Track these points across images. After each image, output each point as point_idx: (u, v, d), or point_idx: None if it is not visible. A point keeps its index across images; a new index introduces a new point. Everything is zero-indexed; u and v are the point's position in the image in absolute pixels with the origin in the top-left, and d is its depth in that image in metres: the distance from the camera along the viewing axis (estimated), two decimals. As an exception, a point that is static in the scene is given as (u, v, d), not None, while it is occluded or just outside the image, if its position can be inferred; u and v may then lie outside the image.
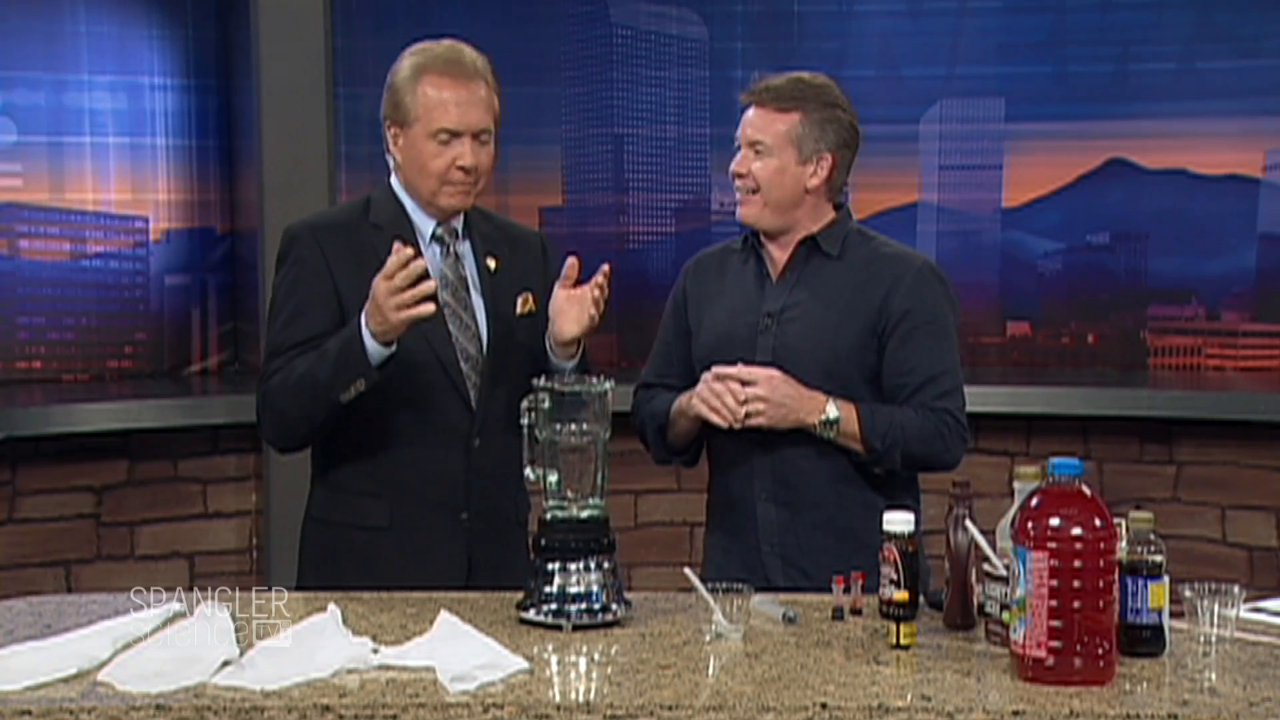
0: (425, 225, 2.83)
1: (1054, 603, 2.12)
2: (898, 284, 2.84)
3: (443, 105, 2.74)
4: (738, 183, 2.87)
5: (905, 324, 2.83)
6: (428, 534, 2.79)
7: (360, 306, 2.73)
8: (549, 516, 2.49)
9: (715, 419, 2.76)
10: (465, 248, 2.87)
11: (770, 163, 2.83)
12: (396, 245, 2.62)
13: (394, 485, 2.79)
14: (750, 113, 2.86)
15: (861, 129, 2.91)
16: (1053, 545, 2.12)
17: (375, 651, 2.22)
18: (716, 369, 2.78)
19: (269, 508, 4.75)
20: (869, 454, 2.79)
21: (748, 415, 2.74)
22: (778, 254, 2.92)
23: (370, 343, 2.65)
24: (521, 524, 2.93)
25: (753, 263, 2.94)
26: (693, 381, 2.89)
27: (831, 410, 2.77)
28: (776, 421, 2.76)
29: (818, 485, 2.84)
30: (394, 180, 2.86)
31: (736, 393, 2.74)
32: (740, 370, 2.76)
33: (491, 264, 2.86)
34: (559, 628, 2.40)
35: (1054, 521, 2.13)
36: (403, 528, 2.79)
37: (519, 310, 2.87)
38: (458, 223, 2.86)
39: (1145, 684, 2.15)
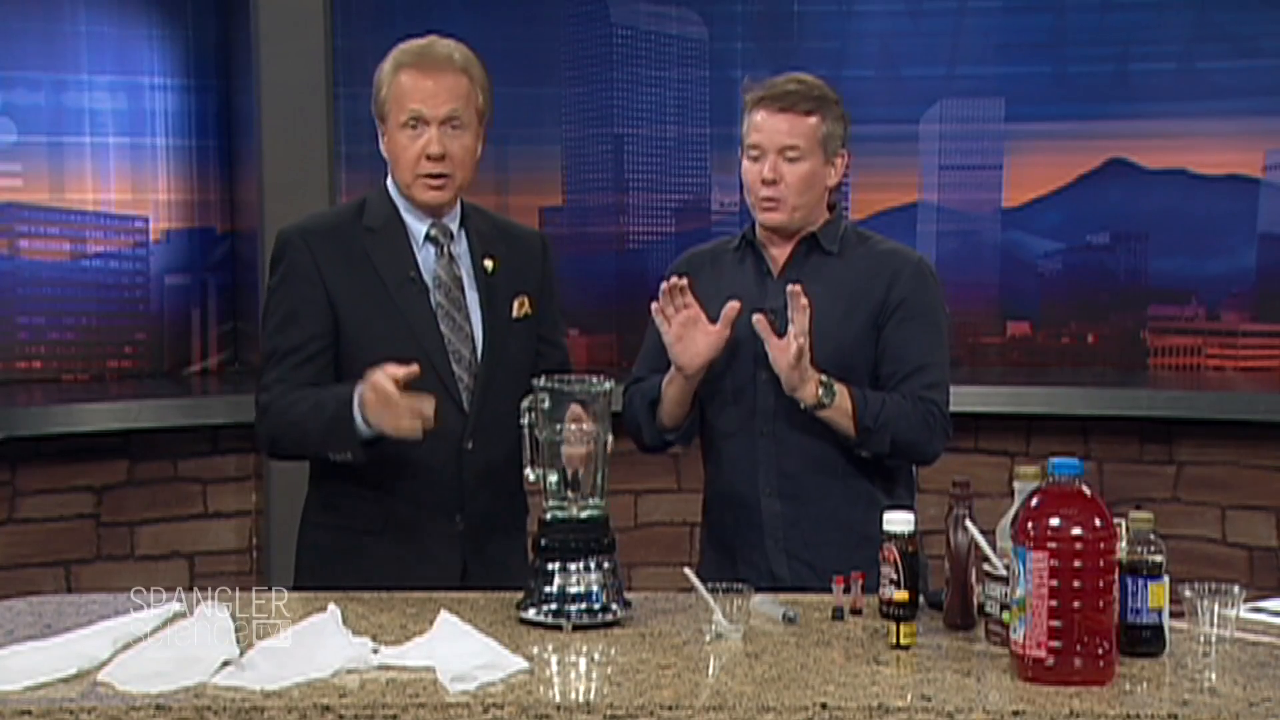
0: (418, 226, 2.83)
1: (1054, 603, 2.12)
2: (897, 276, 2.88)
3: (410, 92, 2.77)
4: (767, 190, 2.85)
5: (900, 313, 2.86)
6: (421, 538, 2.79)
7: (352, 308, 2.76)
8: (549, 516, 2.49)
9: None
10: (462, 248, 2.86)
11: (803, 167, 2.84)
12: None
13: (387, 489, 2.78)
14: (775, 118, 2.84)
15: (849, 116, 2.94)
16: (1053, 545, 2.12)
17: (375, 651, 2.22)
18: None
19: (269, 508, 4.76)
20: (859, 433, 2.79)
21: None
22: (777, 252, 2.93)
23: (360, 424, 2.64)
24: (519, 527, 2.92)
25: (750, 261, 2.95)
26: None
27: (829, 381, 2.76)
28: (787, 366, 2.71)
29: (822, 479, 2.86)
30: (389, 181, 2.86)
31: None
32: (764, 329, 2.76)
33: (489, 265, 2.86)
34: (559, 628, 2.40)
35: (1054, 521, 2.13)
36: (396, 531, 2.78)
37: (515, 313, 2.87)
38: (453, 223, 2.85)
39: (1145, 684, 2.15)
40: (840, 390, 2.78)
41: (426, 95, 2.76)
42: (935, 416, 2.84)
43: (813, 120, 2.84)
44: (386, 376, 2.56)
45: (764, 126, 2.85)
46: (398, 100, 2.77)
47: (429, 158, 2.76)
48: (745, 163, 2.89)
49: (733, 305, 2.80)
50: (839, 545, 2.79)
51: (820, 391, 2.75)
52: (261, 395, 2.80)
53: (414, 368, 2.59)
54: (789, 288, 2.75)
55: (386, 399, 2.57)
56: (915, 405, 2.82)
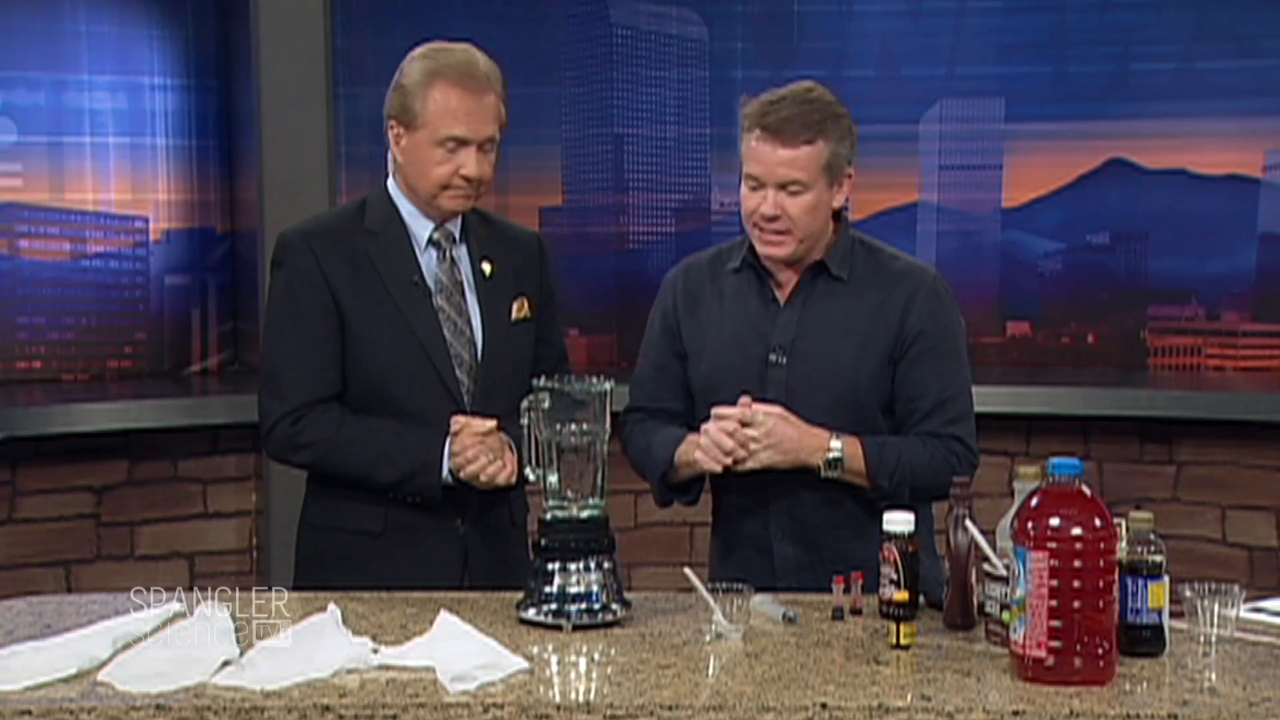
0: (421, 230, 2.83)
1: (1054, 603, 2.12)
2: (910, 304, 2.76)
3: (452, 114, 2.72)
4: (769, 225, 2.71)
5: (918, 346, 2.75)
6: (422, 540, 2.79)
7: (356, 312, 2.75)
8: (549, 516, 2.49)
9: (712, 466, 2.69)
10: (461, 252, 2.86)
11: (806, 200, 2.70)
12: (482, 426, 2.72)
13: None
14: (774, 150, 2.68)
15: (857, 125, 2.80)
16: (1053, 545, 2.12)
17: (375, 651, 2.22)
18: (717, 410, 2.68)
19: (269, 508, 4.76)
20: (875, 491, 2.71)
21: (748, 456, 2.66)
22: (784, 277, 2.81)
23: (447, 472, 2.72)
24: (519, 527, 2.93)
25: (754, 285, 2.82)
26: (691, 406, 2.84)
27: (835, 449, 2.68)
28: (778, 463, 2.67)
29: (835, 522, 2.76)
30: (391, 183, 2.85)
31: (736, 436, 2.65)
32: (741, 412, 2.66)
33: (487, 269, 2.85)
34: (559, 628, 2.40)
35: (1054, 521, 2.13)
36: (397, 533, 2.79)
37: (514, 315, 2.87)
38: (455, 227, 2.85)
39: (1145, 684, 2.15)
40: (851, 452, 2.68)
41: (470, 118, 2.73)
42: (959, 453, 2.73)
43: (815, 148, 2.68)
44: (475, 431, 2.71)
45: (763, 158, 2.69)
46: (436, 117, 2.72)
47: (464, 178, 2.75)
48: (744, 189, 2.74)
49: (745, 401, 2.68)
50: None
51: (825, 466, 2.68)
52: (288, 424, 2.76)
53: (492, 422, 2.71)
54: (741, 400, 2.67)
55: (482, 440, 2.70)
56: (936, 447, 2.72)
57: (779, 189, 2.70)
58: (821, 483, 2.72)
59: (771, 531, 2.80)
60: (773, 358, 2.78)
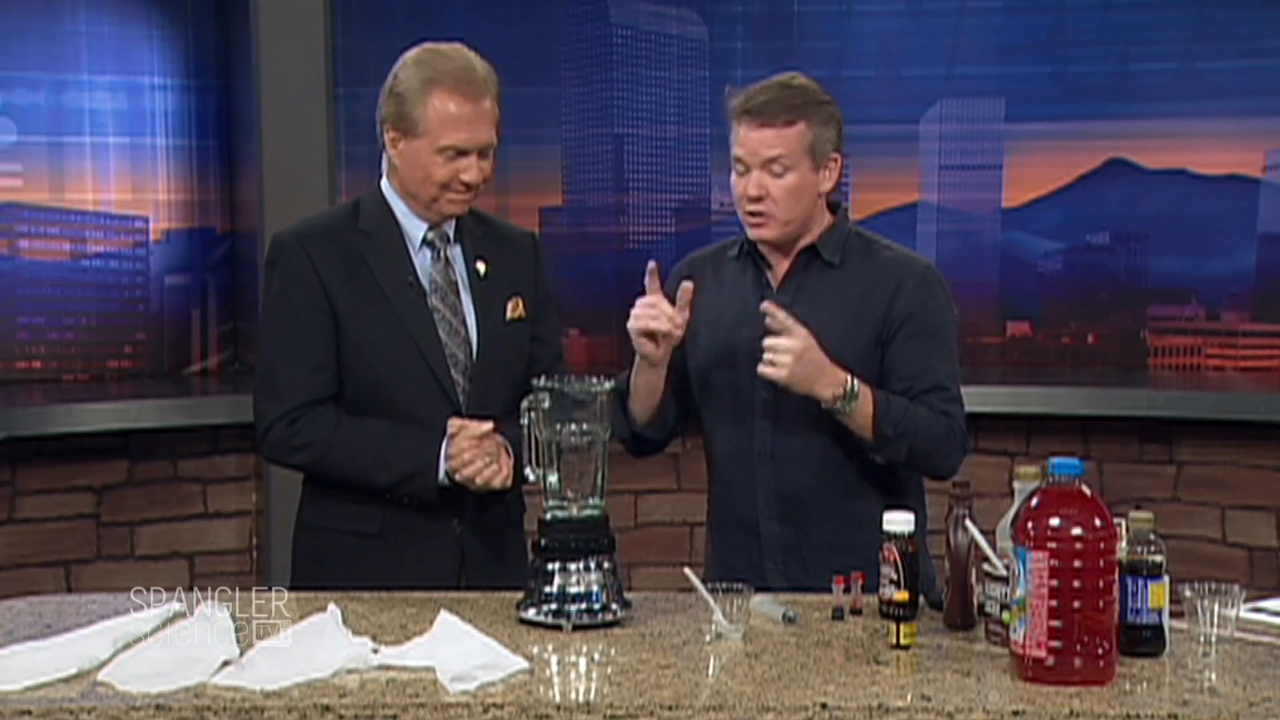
0: (415, 230, 2.82)
1: (1054, 603, 2.12)
2: (900, 289, 2.79)
3: (454, 123, 2.71)
4: (754, 206, 2.77)
5: (906, 329, 2.78)
6: (419, 541, 2.79)
7: (351, 313, 2.76)
8: (549, 516, 2.49)
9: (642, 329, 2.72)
10: (456, 252, 2.86)
11: (790, 180, 2.75)
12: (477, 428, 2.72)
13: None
14: (755, 132, 2.75)
15: (841, 113, 2.83)
16: (1053, 545, 2.12)
17: (375, 651, 2.22)
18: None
19: (269, 508, 4.76)
20: (877, 439, 2.71)
21: (770, 364, 2.66)
22: (778, 263, 2.86)
23: (443, 474, 2.73)
24: (517, 527, 2.93)
25: (750, 271, 2.88)
26: (683, 387, 2.88)
27: (852, 385, 2.68)
28: (794, 380, 2.66)
29: (823, 502, 2.80)
30: (385, 184, 2.85)
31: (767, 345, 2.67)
32: (780, 320, 2.67)
33: (481, 269, 2.85)
34: (559, 628, 2.40)
35: (1054, 521, 2.13)
36: (393, 534, 2.79)
37: (509, 315, 2.86)
38: (449, 227, 2.85)
39: (1145, 684, 2.15)
40: (864, 395, 2.69)
41: (469, 126, 2.71)
42: (955, 432, 2.76)
43: (796, 129, 2.75)
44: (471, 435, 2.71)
45: (745, 140, 2.76)
46: (437, 127, 2.71)
47: (464, 184, 2.75)
48: (733, 175, 2.81)
49: (686, 287, 2.73)
50: (839, 568, 2.61)
51: (839, 400, 2.67)
52: (284, 426, 2.77)
53: (488, 425, 2.71)
54: (763, 305, 2.69)
55: (478, 445, 2.70)
56: (939, 417, 2.74)
57: (762, 169, 2.76)
58: (813, 463, 2.76)
59: (760, 509, 2.83)
60: (764, 338, 2.79)
